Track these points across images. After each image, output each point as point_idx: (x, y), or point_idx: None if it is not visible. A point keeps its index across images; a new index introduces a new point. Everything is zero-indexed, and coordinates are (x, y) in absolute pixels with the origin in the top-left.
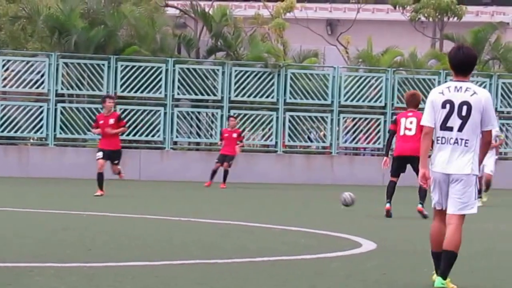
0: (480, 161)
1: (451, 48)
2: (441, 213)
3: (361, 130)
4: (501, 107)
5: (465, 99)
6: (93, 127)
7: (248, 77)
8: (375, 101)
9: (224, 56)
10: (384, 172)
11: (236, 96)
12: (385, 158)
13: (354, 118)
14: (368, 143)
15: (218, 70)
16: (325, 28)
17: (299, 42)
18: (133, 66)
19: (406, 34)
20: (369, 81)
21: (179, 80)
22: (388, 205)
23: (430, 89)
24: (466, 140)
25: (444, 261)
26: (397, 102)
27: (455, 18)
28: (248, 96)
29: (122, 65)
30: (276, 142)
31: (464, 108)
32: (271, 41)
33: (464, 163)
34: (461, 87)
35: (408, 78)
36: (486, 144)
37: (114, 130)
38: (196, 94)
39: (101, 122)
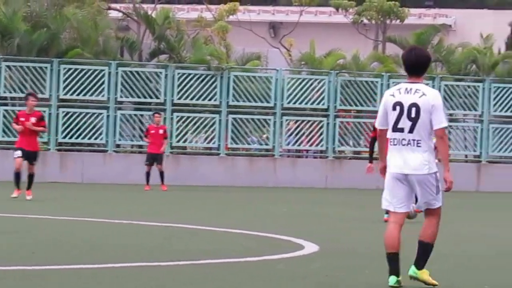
0: (446, 158)
1: (404, 50)
2: (395, 215)
3: (304, 133)
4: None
5: (414, 101)
6: (14, 122)
7: (191, 79)
8: (318, 104)
9: (167, 59)
10: (328, 175)
11: (179, 98)
12: (369, 164)
13: (297, 121)
14: (311, 145)
15: (161, 73)
16: (268, 30)
17: (242, 44)
18: (76, 69)
19: (349, 37)
20: (311, 84)
21: (122, 83)
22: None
23: (373, 91)
24: (418, 140)
25: (419, 251)
26: (340, 105)
27: (398, 21)
28: (191, 99)
29: (65, 68)
30: (219, 145)
31: (413, 110)
32: (214, 43)
33: (420, 163)
34: (411, 89)
35: (351, 80)
36: (439, 140)
37: (35, 127)
38: (139, 97)
39: (22, 119)
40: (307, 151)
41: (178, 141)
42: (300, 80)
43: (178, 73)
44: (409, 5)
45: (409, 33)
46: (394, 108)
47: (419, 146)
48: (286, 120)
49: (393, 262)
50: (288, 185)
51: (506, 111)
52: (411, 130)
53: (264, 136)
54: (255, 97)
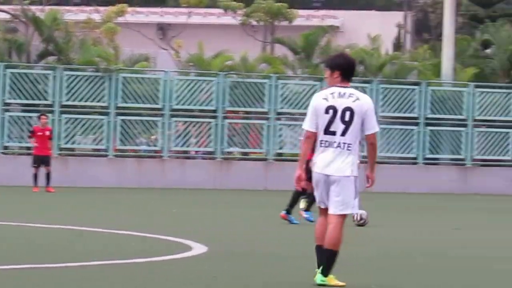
0: (373, 161)
1: (333, 56)
2: (325, 211)
3: (192, 134)
4: None
5: (348, 105)
6: None
7: (79, 81)
8: (206, 105)
9: (56, 61)
10: (216, 176)
11: (68, 100)
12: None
13: (186, 122)
14: (199, 146)
15: (49, 74)
16: (156, 32)
17: (130, 46)
18: None
19: (238, 38)
20: (200, 85)
21: (10, 85)
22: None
23: (261, 92)
24: (348, 144)
25: (326, 259)
26: (229, 106)
27: (286, 22)
28: (80, 100)
29: None
30: (108, 146)
31: (347, 113)
32: (102, 45)
33: (345, 165)
34: (344, 93)
35: (239, 81)
36: (370, 146)
37: None
38: (27, 99)
39: None
40: (195, 152)
41: (66, 143)
42: (188, 82)
43: (67, 75)
44: (297, 7)
45: (297, 34)
46: (326, 112)
47: (349, 149)
48: (175, 121)
49: (322, 255)
50: (176, 186)
51: (393, 112)
52: (343, 133)
53: (153, 137)
54: (143, 98)
